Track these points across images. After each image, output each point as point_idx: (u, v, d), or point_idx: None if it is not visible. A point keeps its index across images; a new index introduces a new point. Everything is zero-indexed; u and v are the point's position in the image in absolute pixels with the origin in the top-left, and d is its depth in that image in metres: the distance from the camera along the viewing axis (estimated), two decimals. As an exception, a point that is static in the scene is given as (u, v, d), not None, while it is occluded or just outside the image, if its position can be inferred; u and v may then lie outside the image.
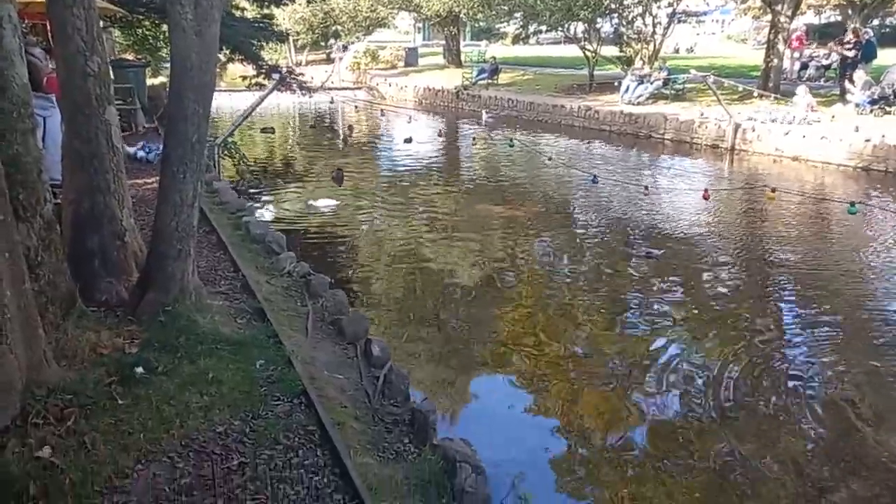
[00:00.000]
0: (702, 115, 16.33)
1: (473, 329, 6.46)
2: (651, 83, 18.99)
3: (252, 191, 11.73)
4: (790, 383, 5.48)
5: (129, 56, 18.30)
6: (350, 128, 18.54)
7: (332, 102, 19.62)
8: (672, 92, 19.02)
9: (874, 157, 12.68)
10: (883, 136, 12.69)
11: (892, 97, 14.48)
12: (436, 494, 3.67)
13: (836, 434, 4.80)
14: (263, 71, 14.87)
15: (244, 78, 16.45)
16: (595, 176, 8.97)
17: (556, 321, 6.63)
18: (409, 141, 16.16)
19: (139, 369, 4.21)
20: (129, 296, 5.13)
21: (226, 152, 12.68)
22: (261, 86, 14.86)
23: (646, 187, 8.80)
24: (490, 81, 24.55)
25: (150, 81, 18.15)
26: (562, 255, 8.71)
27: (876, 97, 14.58)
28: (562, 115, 19.80)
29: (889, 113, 14.35)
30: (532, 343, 6.22)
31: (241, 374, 4.46)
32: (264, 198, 11.57)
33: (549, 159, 12.16)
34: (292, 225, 9.75)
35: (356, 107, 21.53)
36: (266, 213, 10.54)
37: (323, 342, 5.68)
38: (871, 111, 14.47)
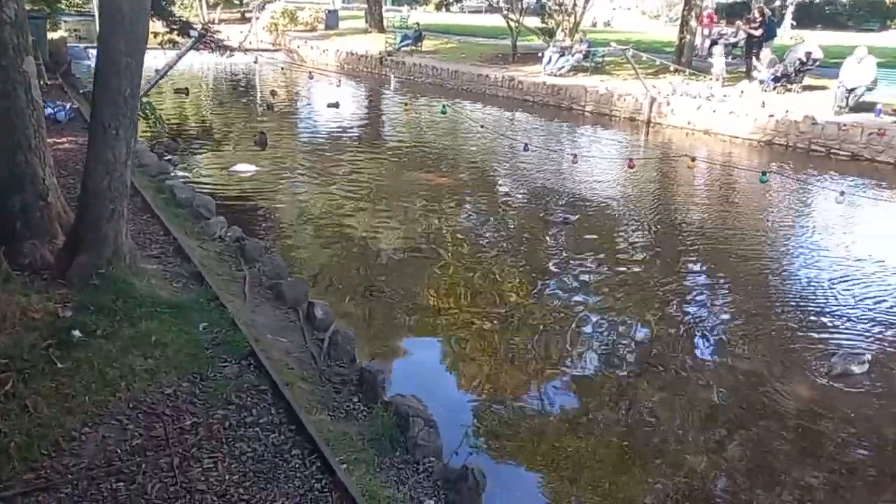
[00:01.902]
0: (629, 94, 16.88)
1: (407, 293, 6.54)
2: (572, 55, 19.38)
3: (169, 154, 11.23)
4: (697, 340, 5.91)
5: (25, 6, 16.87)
6: (273, 92, 17.90)
7: (255, 62, 18.81)
8: (592, 65, 19.50)
9: (776, 132, 13.56)
10: (786, 111, 13.58)
11: (793, 75, 15.46)
12: (390, 447, 3.77)
13: (739, 385, 5.21)
14: (176, 28, 14.08)
15: (155, 35, 15.55)
16: (526, 143, 9.18)
17: (482, 286, 6.78)
18: (335, 106, 15.85)
19: (76, 332, 4.06)
20: (56, 259, 4.89)
21: (140, 113, 12.03)
22: (174, 44, 14.10)
23: (574, 156, 9.09)
24: (414, 48, 24.32)
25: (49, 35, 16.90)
26: (487, 221, 8.90)
27: (779, 75, 15.53)
28: (486, 85, 19.93)
29: (790, 90, 15.34)
30: (463, 307, 6.36)
31: (184, 336, 4.38)
32: (183, 162, 11.10)
33: (482, 127, 12.28)
34: (214, 190, 9.44)
35: (282, 68, 20.82)
36: (186, 177, 10.14)
37: (262, 306, 5.63)
38: (775, 88, 15.41)
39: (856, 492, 4.08)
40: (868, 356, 5.40)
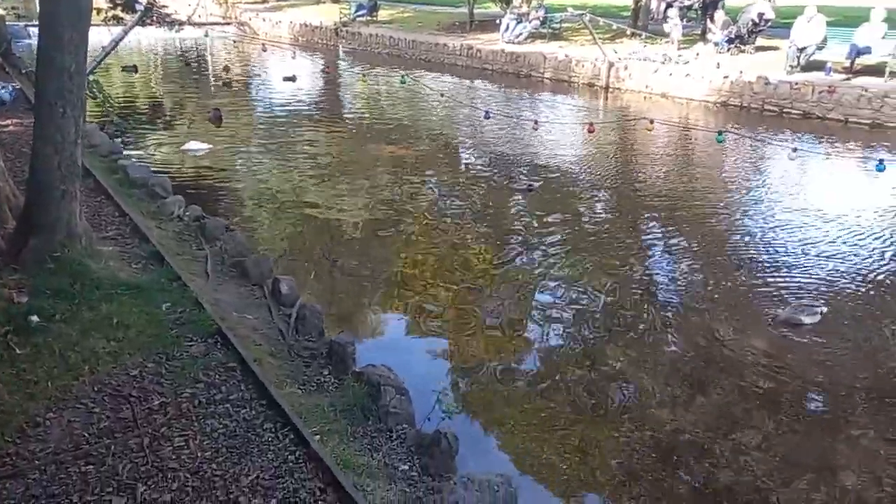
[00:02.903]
0: (599, 59, 16.87)
1: (373, 266, 6.52)
2: (529, 22, 19.27)
3: (120, 134, 10.89)
4: (660, 299, 6.06)
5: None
6: (227, 67, 17.39)
7: (206, 36, 18.21)
8: (549, 31, 19.44)
9: (731, 93, 13.78)
10: (740, 72, 13.79)
11: (746, 36, 15.66)
12: (362, 417, 3.80)
13: (699, 340, 5.36)
14: (120, 3, 13.55)
15: (98, 11, 14.93)
16: (488, 111, 9.15)
17: (449, 255, 6.82)
18: (291, 79, 15.51)
19: (34, 318, 3.96)
20: (7, 244, 4.73)
21: (88, 92, 11.61)
22: (118, 20, 13.57)
23: (535, 122, 9.10)
24: (369, 18, 23.87)
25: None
26: (451, 191, 8.89)
27: (733, 36, 15.70)
28: (444, 54, 19.74)
29: (744, 51, 15.55)
30: (430, 277, 6.38)
31: (147, 317, 4.31)
32: (135, 141, 10.79)
33: (442, 96, 12.18)
34: (170, 169, 9.21)
35: (233, 41, 20.23)
36: (139, 157, 9.86)
37: (226, 284, 5.56)
38: (729, 50, 15.60)
39: (811, 435, 4.26)
40: (821, 307, 5.60)
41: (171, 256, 5.57)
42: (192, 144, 10.36)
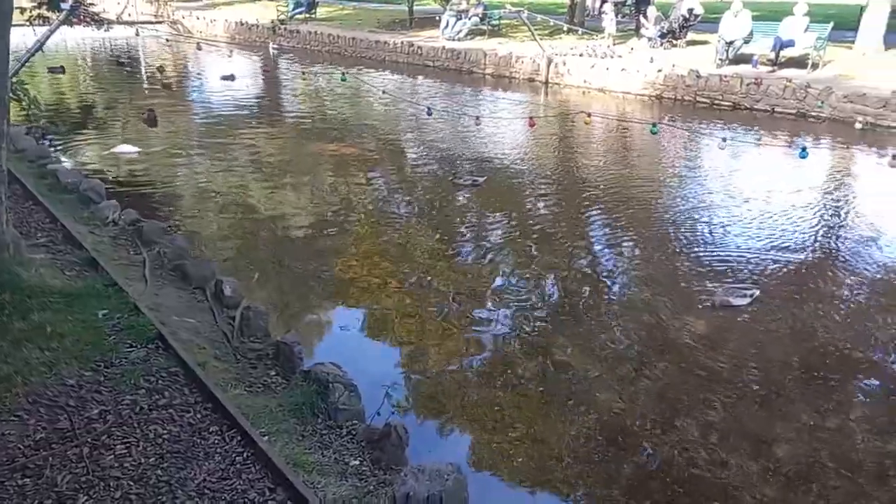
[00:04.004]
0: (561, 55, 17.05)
1: (319, 266, 6.47)
2: (469, 19, 19.42)
3: (49, 138, 10.47)
4: (603, 287, 6.21)
5: None
6: (161, 68, 16.85)
7: (137, 35, 17.62)
8: (489, 27, 19.61)
9: (665, 86, 14.20)
10: (673, 65, 14.22)
11: (678, 31, 16.17)
12: (311, 415, 3.78)
13: (641, 324, 5.52)
14: (45, 1, 13.00)
15: (22, 11, 14.28)
16: (429, 108, 9.18)
17: (395, 252, 6.80)
18: (230, 78, 15.18)
19: (-40, 331, 3.78)
20: (-72, 254, 4.49)
21: (12, 95, 11.09)
22: (44, 19, 13.02)
23: (477, 118, 9.19)
24: (308, 16, 23.60)
25: None
26: (396, 188, 8.89)
27: (665, 31, 16.19)
28: (385, 51, 19.68)
29: (676, 45, 16.06)
30: (377, 274, 6.35)
31: (82, 325, 4.18)
32: (65, 145, 10.39)
33: (383, 93, 12.16)
34: (104, 173, 8.90)
35: (166, 40, 19.63)
36: (70, 162, 9.50)
37: (166, 288, 5.43)
38: (662, 44, 16.08)
39: (748, 409, 4.45)
40: (751, 290, 5.85)
41: (107, 262, 5.40)
42: (123, 147, 10.03)
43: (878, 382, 4.77)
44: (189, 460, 3.16)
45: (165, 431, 3.35)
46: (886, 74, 12.49)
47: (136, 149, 10.03)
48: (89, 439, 3.22)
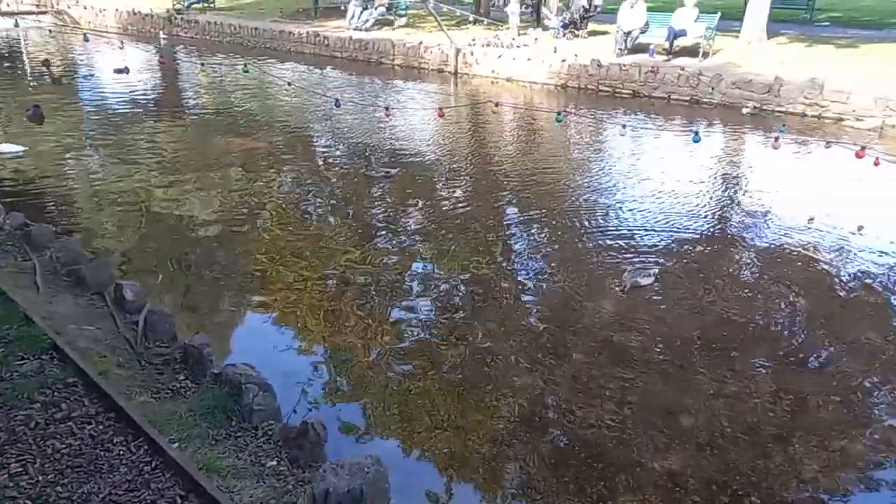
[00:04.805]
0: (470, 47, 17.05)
1: (228, 265, 6.26)
2: (375, 9, 19.24)
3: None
4: (517, 274, 6.35)
5: None
6: (46, 61, 15.68)
7: (16, 26, 16.29)
8: (396, 17, 19.51)
9: (569, 76, 14.60)
10: (575, 55, 14.64)
11: (579, 21, 16.64)
12: (224, 418, 3.66)
13: (554, 308, 5.68)
14: None
15: None
16: (337, 99, 9.01)
17: (308, 248, 6.66)
18: (123, 71, 14.35)
19: None
20: None
21: None
22: None
23: (386, 109, 9.12)
24: (206, 5, 22.68)
25: None
26: (307, 183, 8.71)
27: (567, 22, 16.63)
28: (290, 42, 19.20)
29: (578, 36, 16.53)
30: (290, 271, 6.20)
31: (-35, 339, 3.85)
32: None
33: (289, 85, 11.84)
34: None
35: (49, 31, 18.27)
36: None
37: (60, 295, 5.10)
38: (565, 35, 16.51)
39: (656, 384, 4.66)
40: (655, 269, 6.14)
41: (-8, 270, 5.02)
42: (4, 147, 9.31)
43: (770, 350, 5.11)
44: (92, 474, 2.99)
45: (64, 446, 3.15)
46: (769, 62, 13.37)
47: (20, 148, 9.33)
48: (-22, 461, 2.99)
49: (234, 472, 3.16)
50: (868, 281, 6.19)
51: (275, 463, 3.33)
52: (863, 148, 6.37)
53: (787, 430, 4.21)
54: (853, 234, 7.20)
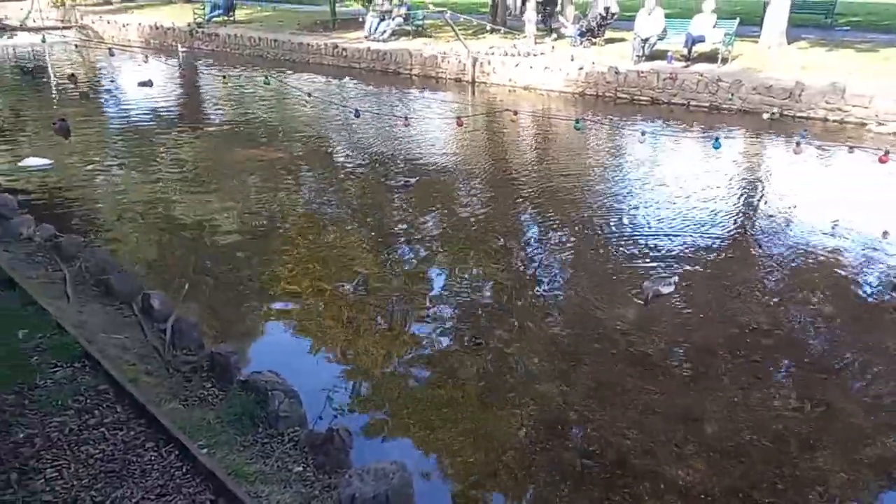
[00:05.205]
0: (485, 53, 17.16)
1: (252, 274, 6.35)
2: (392, 20, 19.40)
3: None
4: (538, 282, 6.33)
5: None
6: (72, 75, 16.02)
7: (43, 42, 16.66)
8: (413, 28, 19.66)
9: (587, 83, 14.61)
10: (593, 63, 14.65)
11: (596, 29, 16.66)
12: (251, 425, 3.72)
13: (575, 316, 5.70)
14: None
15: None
16: (357, 110, 9.11)
17: (330, 257, 6.74)
18: (147, 84, 14.61)
19: None
20: None
21: None
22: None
23: (405, 118, 9.19)
24: (226, 18, 23.02)
25: None
26: (328, 192, 8.80)
27: (584, 30, 16.66)
28: (309, 54, 19.43)
29: (595, 43, 16.54)
30: (312, 279, 6.28)
31: (1, 347, 3.95)
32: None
33: (309, 96, 11.99)
34: (14, 188, 8.43)
35: (75, 46, 18.68)
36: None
37: (90, 305, 5.22)
38: (582, 43, 16.53)
39: (677, 390, 4.65)
40: (675, 277, 6.12)
41: (24, 280, 5.15)
42: (32, 160, 9.53)
43: (795, 357, 5.08)
44: (125, 479, 3.06)
45: (98, 451, 3.23)
46: (790, 67, 13.28)
47: (47, 161, 9.55)
48: (17, 464, 3.07)
49: (261, 478, 3.21)
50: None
51: (301, 469, 3.38)
52: (886, 153, 6.31)
53: (813, 437, 4.18)
54: (878, 239, 7.13)
